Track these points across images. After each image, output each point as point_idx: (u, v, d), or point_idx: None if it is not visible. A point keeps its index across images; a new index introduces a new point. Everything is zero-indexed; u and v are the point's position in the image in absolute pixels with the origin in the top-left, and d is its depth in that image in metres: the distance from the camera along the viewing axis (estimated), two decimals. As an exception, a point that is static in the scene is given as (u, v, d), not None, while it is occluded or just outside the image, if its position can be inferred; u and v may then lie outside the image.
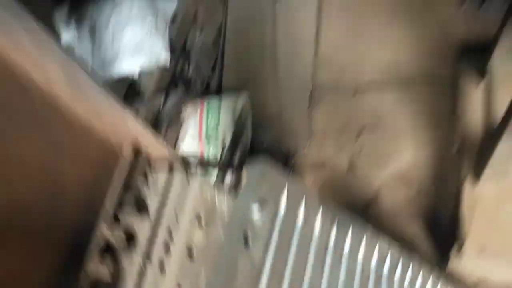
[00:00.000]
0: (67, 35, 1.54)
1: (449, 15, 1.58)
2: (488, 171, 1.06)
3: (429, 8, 1.60)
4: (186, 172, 0.63)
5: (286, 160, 1.59)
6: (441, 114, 1.44)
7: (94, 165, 0.56)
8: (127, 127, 0.56)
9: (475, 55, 1.32)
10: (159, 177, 0.61)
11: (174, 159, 0.63)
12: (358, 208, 1.45)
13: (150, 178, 0.60)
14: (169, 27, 1.68)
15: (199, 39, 1.85)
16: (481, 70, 1.26)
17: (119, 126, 0.55)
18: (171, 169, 0.62)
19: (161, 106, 1.65)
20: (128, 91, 1.57)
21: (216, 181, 0.73)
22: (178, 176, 0.63)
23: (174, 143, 1.58)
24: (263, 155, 1.52)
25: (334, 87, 1.64)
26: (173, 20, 1.71)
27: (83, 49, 1.55)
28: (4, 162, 0.45)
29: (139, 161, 0.59)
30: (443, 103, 1.43)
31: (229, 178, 1.43)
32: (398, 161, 1.46)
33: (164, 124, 1.61)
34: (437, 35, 1.56)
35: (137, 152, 0.59)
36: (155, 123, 1.59)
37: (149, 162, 0.60)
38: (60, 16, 1.53)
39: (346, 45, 1.65)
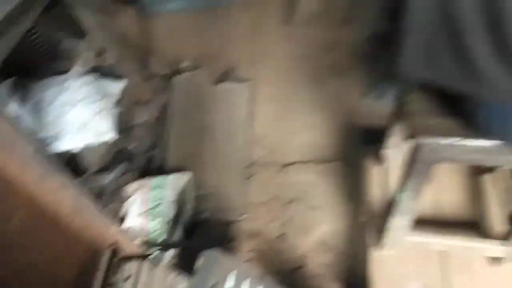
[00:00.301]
0: (10, 107, 1.54)
1: (354, 106, 1.96)
2: (386, 241, 1.35)
3: (339, 100, 1.97)
4: (153, 263, 0.79)
5: (224, 230, 1.76)
6: (353, 189, 1.74)
7: (82, 265, 0.69)
8: (109, 233, 0.72)
9: (375, 141, 1.65)
10: (131, 269, 0.76)
11: (143, 253, 0.79)
12: (287, 272, 1.65)
13: (124, 271, 0.75)
14: (116, 105, 1.80)
15: (143, 117, 2.00)
16: (379, 155, 1.59)
17: (103, 233, 0.71)
18: (141, 261, 0.77)
19: (104, 182, 1.71)
20: (68, 165, 1.62)
21: (175, 265, 0.88)
22: (146, 267, 0.78)
23: (117, 218, 1.65)
24: (206, 231, 1.67)
25: (266, 164, 1.89)
26: (120, 100, 1.85)
27: (25, 123, 1.56)
28: (24, 269, 0.58)
29: (116, 258, 0.74)
30: (354, 179, 1.74)
31: (171, 253, 1.54)
32: (320, 229, 1.72)
33: (107, 199, 1.68)
34: (346, 122, 1.92)
35: (114, 251, 0.74)
36: (98, 198, 1.64)
37: (124, 259, 0.75)
38: (4, 88, 1.53)
39: (275, 128, 1.94)
